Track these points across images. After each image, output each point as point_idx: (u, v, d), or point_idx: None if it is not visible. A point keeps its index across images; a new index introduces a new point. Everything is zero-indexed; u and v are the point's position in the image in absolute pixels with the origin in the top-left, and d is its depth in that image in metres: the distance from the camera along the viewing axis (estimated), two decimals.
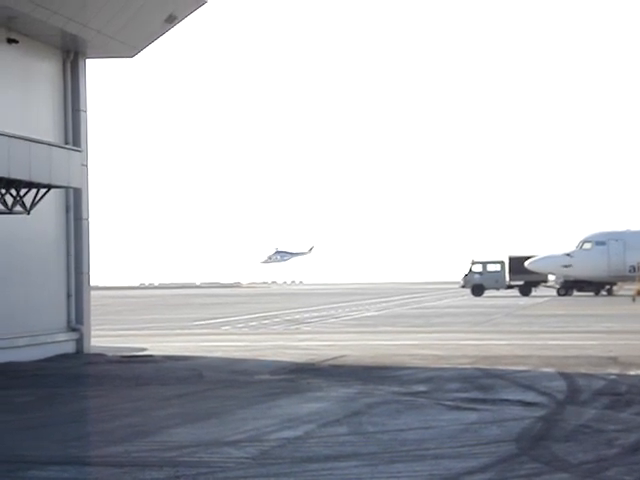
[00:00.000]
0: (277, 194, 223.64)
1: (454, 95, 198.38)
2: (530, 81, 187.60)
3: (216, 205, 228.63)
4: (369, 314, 49.23)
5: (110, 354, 25.47)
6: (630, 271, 69.81)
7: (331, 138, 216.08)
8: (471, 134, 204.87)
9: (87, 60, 26.62)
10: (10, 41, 23.68)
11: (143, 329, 37.58)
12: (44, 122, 25.15)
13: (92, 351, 26.17)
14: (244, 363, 22.92)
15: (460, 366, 21.30)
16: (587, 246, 72.06)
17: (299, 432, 13.33)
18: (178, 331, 36.13)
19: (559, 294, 73.61)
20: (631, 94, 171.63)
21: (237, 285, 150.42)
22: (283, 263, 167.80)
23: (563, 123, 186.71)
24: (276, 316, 46.99)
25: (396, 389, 17.61)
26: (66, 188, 23.96)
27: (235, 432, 13.41)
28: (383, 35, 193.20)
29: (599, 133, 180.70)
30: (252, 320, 43.54)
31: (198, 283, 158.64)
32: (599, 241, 71.74)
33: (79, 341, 26.10)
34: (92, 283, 27.02)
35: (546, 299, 66.73)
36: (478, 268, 79.02)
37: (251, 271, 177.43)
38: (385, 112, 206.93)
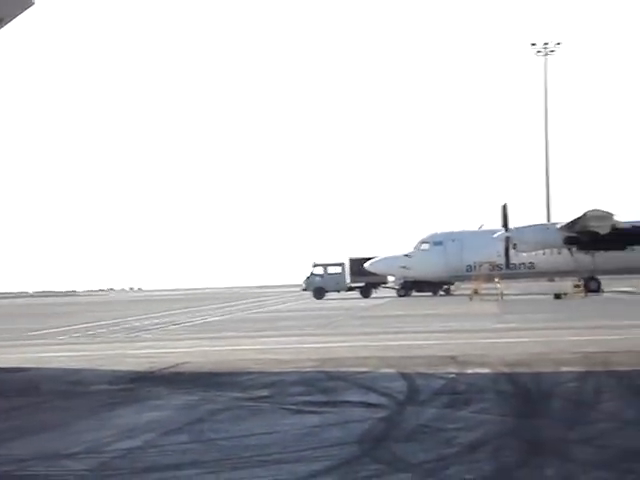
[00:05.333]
0: None
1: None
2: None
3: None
4: (211, 319, 48.96)
5: None
6: (467, 270, 71.56)
7: None
8: (305, 133, 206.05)
9: None
10: None
11: None
12: None
13: None
14: (82, 373, 22.41)
15: (303, 369, 21.30)
16: (425, 247, 73.49)
17: (139, 442, 13.07)
18: (11, 342, 35.12)
19: (399, 295, 74.88)
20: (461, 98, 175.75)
21: (73, 293, 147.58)
22: None
23: (394, 122, 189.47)
24: (115, 324, 46.24)
25: (239, 395, 17.47)
26: None
27: (73, 444, 13.06)
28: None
29: (426, 133, 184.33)
30: (90, 329, 42.71)
31: (31, 292, 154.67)
32: (436, 241, 73.29)
33: None
34: None
35: (386, 300, 67.66)
36: (319, 271, 79.73)
37: None
38: None
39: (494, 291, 66.64)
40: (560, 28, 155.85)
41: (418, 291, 75.14)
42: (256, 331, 36.86)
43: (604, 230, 67.76)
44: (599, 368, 19.79)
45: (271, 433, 13.44)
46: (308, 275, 79.45)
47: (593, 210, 67.17)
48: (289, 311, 56.19)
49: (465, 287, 73.24)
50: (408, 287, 74.87)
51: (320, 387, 18.15)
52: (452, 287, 77.43)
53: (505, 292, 66.44)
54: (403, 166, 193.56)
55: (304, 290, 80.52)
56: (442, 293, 75.70)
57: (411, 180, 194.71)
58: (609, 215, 67.24)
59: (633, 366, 19.97)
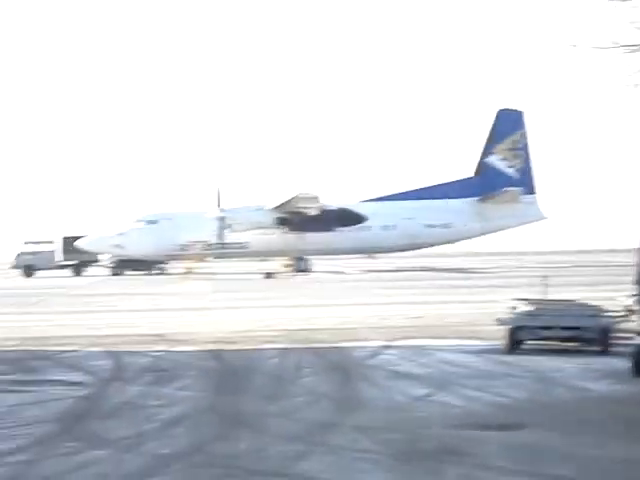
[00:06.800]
0: None
1: None
2: None
3: None
4: None
5: None
6: (181, 249, 71.89)
7: None
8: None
9: None
10: None
11: None
12: None
13: None
14: None
15: (6, 348, 20.91)
16: (139, 225, 73.21)
17: None
18: None
19: (113, 273, 74.24)
20: None
21: None
22: None
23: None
24: None
25: None
26: None
27: None
28: None
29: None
30: None
31: None
32: (151, 220, 73.16)
33: None
34: None
35: (100, 278, 66.99)
36: (30, 248, 78.07)
37: None
38: None
39: (208, 270, 67.28)
40: None
41: (133, 270, 74.74)
42: None
43: (312, 212, 69.78)
44: (300, 345, 20.55)
45: None
46: (18, 252, 77.82)
47: (302, 192, 69.03)
48: None
49: (179, 266, 73.47)
50: (121, 266, 74.38)
51: (23, 366, 17.92)
52: (166, 266, 77.55)
53: (218, 271, 67.25)
54: (113, 149, 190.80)
55: (14, 268, 78.61)
56: (156, 272, 75.66)
57: (124, 161, 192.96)
58: (316, 197, 69.29)
59: (331, 343, 20.86)
